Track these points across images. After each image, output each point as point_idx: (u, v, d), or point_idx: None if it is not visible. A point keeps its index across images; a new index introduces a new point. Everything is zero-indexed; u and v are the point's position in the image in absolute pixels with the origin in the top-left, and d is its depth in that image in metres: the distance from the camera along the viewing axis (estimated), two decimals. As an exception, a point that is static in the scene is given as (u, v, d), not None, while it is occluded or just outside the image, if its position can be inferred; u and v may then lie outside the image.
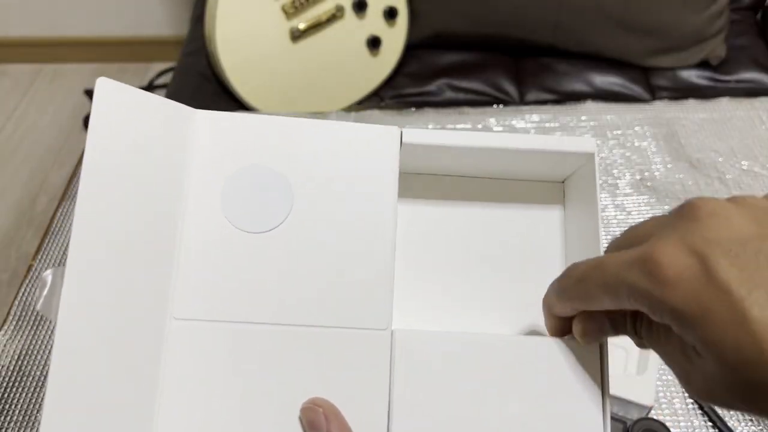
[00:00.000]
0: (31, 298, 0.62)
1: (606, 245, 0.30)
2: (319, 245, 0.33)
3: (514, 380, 0.32)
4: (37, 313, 0.60)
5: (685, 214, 0.25)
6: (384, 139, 0.35)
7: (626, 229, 0.28)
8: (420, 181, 0.39)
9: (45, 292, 0.32)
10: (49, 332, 0.59)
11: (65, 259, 0.31)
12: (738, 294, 0.22)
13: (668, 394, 0.54)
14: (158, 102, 0.33)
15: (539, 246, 0.38)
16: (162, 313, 0.31)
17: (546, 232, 0.38)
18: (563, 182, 0.39)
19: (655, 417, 0.51)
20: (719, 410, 0.52)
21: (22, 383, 0.56)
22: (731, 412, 0.52)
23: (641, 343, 0.29)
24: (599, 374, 0.32)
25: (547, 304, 0.31)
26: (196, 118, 0.34)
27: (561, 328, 0.31)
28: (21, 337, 0.59)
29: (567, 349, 0.33)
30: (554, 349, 0.32)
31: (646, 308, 0.24)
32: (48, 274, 0.32)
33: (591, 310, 0.29)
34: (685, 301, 0.23)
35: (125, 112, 0.31)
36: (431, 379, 0.32)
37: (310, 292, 0.33)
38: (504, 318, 0.36)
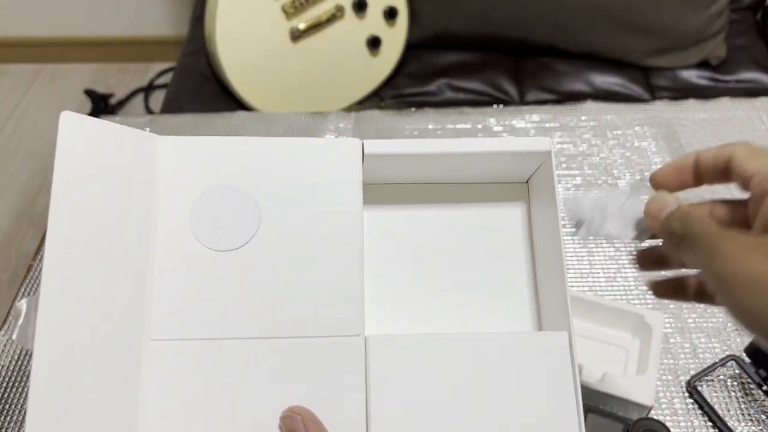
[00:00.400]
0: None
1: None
2: (289, 258, 0.34)
3: (487, 377, 0.33)
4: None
5: None
6: (346, 151, 0.35)
7: None
8: (387, 190, 0.39)
9: (20, 322, 0.32)
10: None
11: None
12: None
13: (668, 394, 0.54)
14: (122, 131, 0.33)
15: (506, 245, 0.39)
16: (138, 336, 0.32)
17: (512, 231, 0.39)
18: (527, 182, 0.40)
19: (655, 417, 0.51)
20: (719, 410, 0.52)
21: (22, 383, 0.56)
22: (731, 412, 0.52)
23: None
24: (570, 364, 0.33)
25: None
26: (160, 143, 0.35)
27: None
28: (21, 337, 0.59)
29: (537, 342, 0.34)
30: (525, 344, 0.33)
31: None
32: (22, 304, 0.32)
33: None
34: None
35: (90, 144, 0.32)
36: (406, 382, 0.32)
37: (282, 305, 0.33)
38: (475, 316, 0.37)
